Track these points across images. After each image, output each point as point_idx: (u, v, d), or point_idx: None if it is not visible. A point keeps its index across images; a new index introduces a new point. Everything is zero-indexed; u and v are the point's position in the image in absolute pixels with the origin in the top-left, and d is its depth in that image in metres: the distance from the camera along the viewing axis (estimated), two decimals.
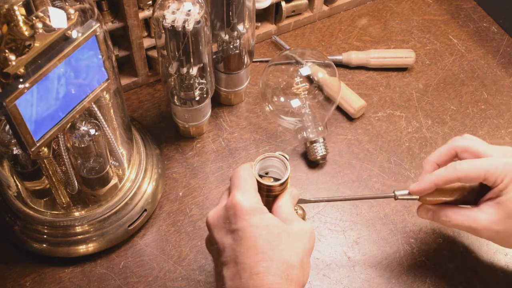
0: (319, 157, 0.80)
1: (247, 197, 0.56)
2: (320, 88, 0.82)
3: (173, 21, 0.69)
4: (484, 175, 0.61)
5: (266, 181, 0.60)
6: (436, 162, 0.65)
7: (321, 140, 0.80)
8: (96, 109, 0.64)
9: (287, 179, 0.60)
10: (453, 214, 0.63)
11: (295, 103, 0.81)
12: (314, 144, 0.80)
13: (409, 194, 0.65)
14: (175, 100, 0.78)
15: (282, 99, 0.82)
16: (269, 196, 0.60)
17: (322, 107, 0.82)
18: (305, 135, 0.81)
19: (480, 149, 0.63)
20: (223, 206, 0.57)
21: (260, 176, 0.61)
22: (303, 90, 0.81)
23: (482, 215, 0.61)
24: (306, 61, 0.83)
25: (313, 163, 0.82)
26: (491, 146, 0.64)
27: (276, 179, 0.61)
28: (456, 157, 0.65)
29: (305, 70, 0.82)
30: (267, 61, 0.92)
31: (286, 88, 0.82)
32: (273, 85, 0.82)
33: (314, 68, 0.83)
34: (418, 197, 0.65)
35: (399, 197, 0.66)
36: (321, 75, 0.82)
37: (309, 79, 0.83)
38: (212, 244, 0.59)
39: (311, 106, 0.81)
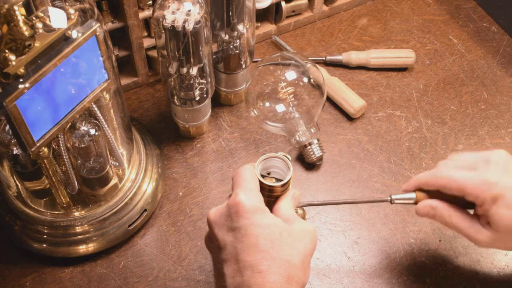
0: (315, 159, 0.80)
1: (250, 196, 0.56)
2: (307, 90, 0.80)
3: (173, 21, 0.69)
4: (463, 189, 0.60)
5: (268, 182, 0.60)
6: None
7: (315, 141, 0.80)
8: (96, 109, 0.64)
9: (289, 180, 0.60)
10: (457, 218, 0.62)
11: (281, 108, 0.80)
12: (309, 147, 0.80)
13: (406, 199, 0.65)
14: (175, 100, 0.78)
15: (267, 104, 0.80)
16: (270, 196, 0.60)
17: (312, 108, 0.80)
18: (298, 138, 0.80)
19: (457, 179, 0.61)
20: (225, 204, 0.57)
21: (262, 176, 0.61)
22: (289, 94, 0.79)
23: (484, 230, 0.60)
24: (301, 62, 0.81)
25: (312, 164, 0.82)
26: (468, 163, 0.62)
27: (278, 180, 0.61)
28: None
29: (290, 74, 0.80)
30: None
31: (271, 93, 0.80)
32: (258, 90, 0.80)
33: (300, 70, 0.81)
34: (414, 202, 0.65)
35: (395, 201, 0.66)
36: (306, 80, 0.80)
37: (296, 82, 0.81)
38: (212, 242, 0.59)
39: (300, 110, 0.80)
